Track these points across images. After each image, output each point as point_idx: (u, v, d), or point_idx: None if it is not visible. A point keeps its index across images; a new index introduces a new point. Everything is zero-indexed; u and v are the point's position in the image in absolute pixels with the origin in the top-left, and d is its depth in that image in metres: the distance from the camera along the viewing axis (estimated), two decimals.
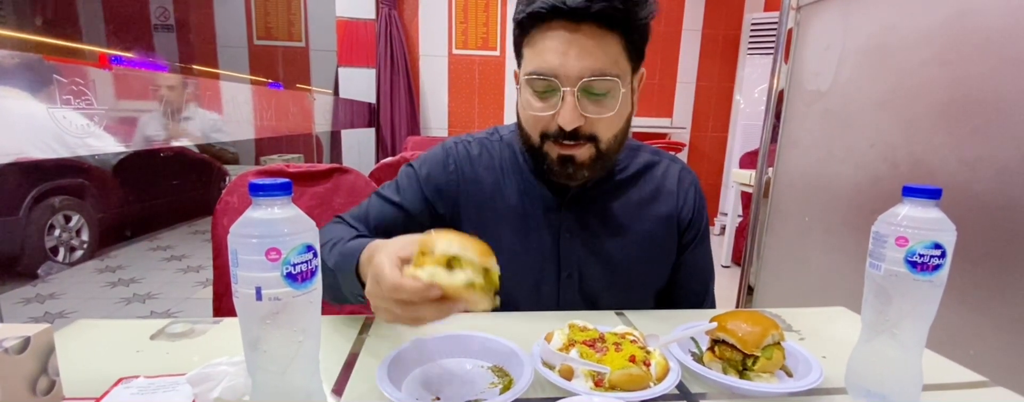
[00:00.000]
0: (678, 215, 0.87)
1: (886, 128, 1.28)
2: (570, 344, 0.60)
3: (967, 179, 1.08)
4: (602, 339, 0.61)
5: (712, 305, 0.94)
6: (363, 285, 0.59)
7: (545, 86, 0.71)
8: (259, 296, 0.40)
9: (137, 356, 0.64)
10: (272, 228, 0.41)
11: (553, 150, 0.75)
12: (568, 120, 0.70)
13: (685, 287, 0.91)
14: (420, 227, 0.83)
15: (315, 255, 0.43)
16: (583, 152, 0.74)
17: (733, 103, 4.34)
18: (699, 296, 0.92)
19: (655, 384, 0.56)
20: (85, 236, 3.30)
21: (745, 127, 4.02)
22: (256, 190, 0.42)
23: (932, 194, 0.53)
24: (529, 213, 0.83)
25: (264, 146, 2.94)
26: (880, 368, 0.56)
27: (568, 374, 0.57)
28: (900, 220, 0.53)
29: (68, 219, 3.20)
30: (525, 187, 0.84)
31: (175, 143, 2.28)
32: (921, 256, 0.52)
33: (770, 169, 1.66)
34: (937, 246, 0.52)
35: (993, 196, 1.03)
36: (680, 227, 0.88)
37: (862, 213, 1.33)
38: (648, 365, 0.58)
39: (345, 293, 0.64)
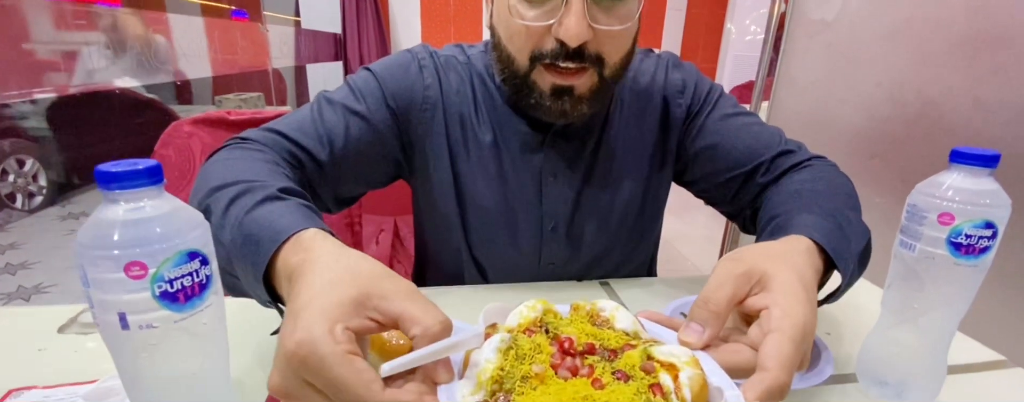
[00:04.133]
0: (679, 125, 0.71)
1: (895, 64, 1.17)
2: (536, 351, 0.35)
3: (982, 124, 0.99)
4: (591, 350, 0.36)
5: (803, 162, 0.66)
6: (273, 302, 0.40)
7: None
8: (124, 324, 0.30)
9: (38, 356, 0.54)
10: (131, 235, 0.29)
11: (545, 78, 0.59)
12: (574, 33, 0.54)
13: (736, 171, 0.68)
14: (384, 159, 0.68)
15: (205, 262, 0.32)
16: (584, 81, 0.59)
17: (724, 32, 4.13)
18: (763, 167, 0.66)
19: None
20: (42, 181, 3.11)
21: (735, 58, 3.85)
22: (106, 181, 0.30)
23: (988, 160, 0.43)
24: (504, 153, 0.69)
25: (221, 84, 2.70)
26: (900, 358, 0.49)
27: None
28: (946, 192, 0.44)
29: (21, 163, 2.99)
30: (499, 121, 0.69)
31: (119, 82, 2.07)
32: (968, 237, 0.43)
33: (765, 103, 1.54)
34: (989, 225, 0.43)
35: (1010, 143, 0.94)
36: (683, 138, 0.72)
37: (860, 158, 1.24)
38: (679, 390, 0.32)
39: (246, 290, 0.43)
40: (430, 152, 0.70)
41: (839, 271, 0.47)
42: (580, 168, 0.70)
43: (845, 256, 0.47)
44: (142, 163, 0.31)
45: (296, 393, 0.31)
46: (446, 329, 0.33)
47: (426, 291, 0.76)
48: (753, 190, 0.68)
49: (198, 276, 0.32)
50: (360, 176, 0.68)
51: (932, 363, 0.49)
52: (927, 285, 0.45)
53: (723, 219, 1.89)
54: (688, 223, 2.88)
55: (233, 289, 0.45)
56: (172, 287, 0.30)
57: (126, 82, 2.03)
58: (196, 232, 0.32)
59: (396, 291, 0.33)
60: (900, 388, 0.50)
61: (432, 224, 0.78)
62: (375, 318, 0.33)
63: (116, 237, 0.29)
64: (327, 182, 0.64)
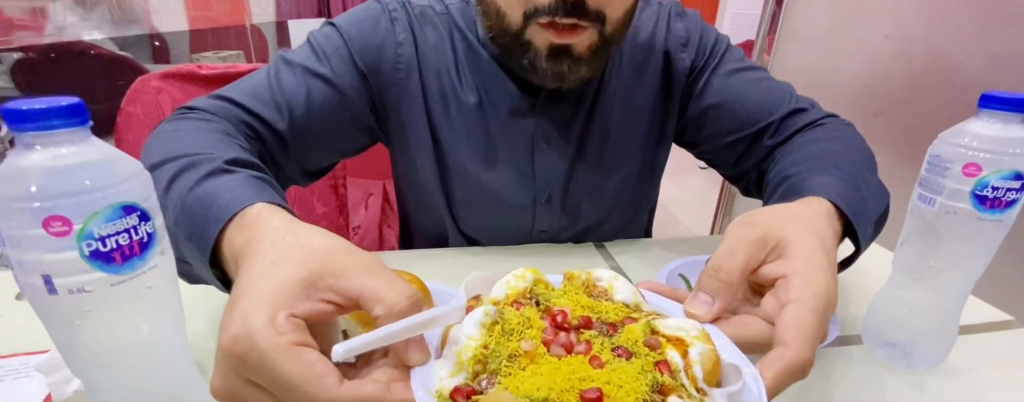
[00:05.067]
0: (681, 82, 0.66)
1: (904, 15, 1.11)
2: (524, 326, 0.31)
3: (995, 78, 0.95)
4: (587, 324, 0.33)
5: (815, 121, 0.62)
6: (222, 280, 0.36)
7: None
8: (51, 288, 0.26)
9: None
10: (49, 185, 0.25)
11: (541, 36, 0.53)
12: None
13: (744, 132, 0.63)
14: (354, 126, 0.62)
15: (145, 217, 0.28)
16: (583, 39, 0.54)
17: None
18: (772, 128, 0.62)
19: None
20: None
21: (734, 16, 3.74)
22: (17, 121, 0.25)
23: (1021, 105, 0.39)
24: (491, 117, 0.64)
25: (198, 42, 2.58)
26: (910, 319, 0.47)
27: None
28: (973, 141, 0.40)
29: None
30: (484, 82, 0.63)
31: (87, 37, 1.96)
32: (995, 189, 0.39)
33: (766, 57, 1.48)
34: (1018, 176, 0.39)
35: None
36: (686, 96, 0.67)
37: (864, 116, 1.20)
38: (689, 368, 0.29)
39: (204, 278, 0.38)
40: (406, 118, 0.63)
41: (858, 237, 0.43)
42: (574, 133, 0.65)
43: (864, 220, 0.43)
44: (63, 100, 0.26)
45: (241, 395, 0.26)
46: (416, 305, 0.28)
47: (407, 255, 0.74)
48: (760, 152, 0.63)
49: (137, 233, 0.28)
50: (328, 146, 0.62)
51: (943, 324, 0.46)
52: (946, 242, 0.42)
53: (718, 182, 1.86)
54: (681, 186, 2.86)
55: (189, 277, 0.40)
56: (104, 246, 0.26)
57: (95, 37, 1.93)
58: (132, 183, 0.28)
59: (354, 266, 0.29)
60: (908, 350, 0.47)
61: (414, 194, 0.73)
62: (331, 300, 0.28)
63: (33, 188, 0.25)
64: (291, 154, 0.58)
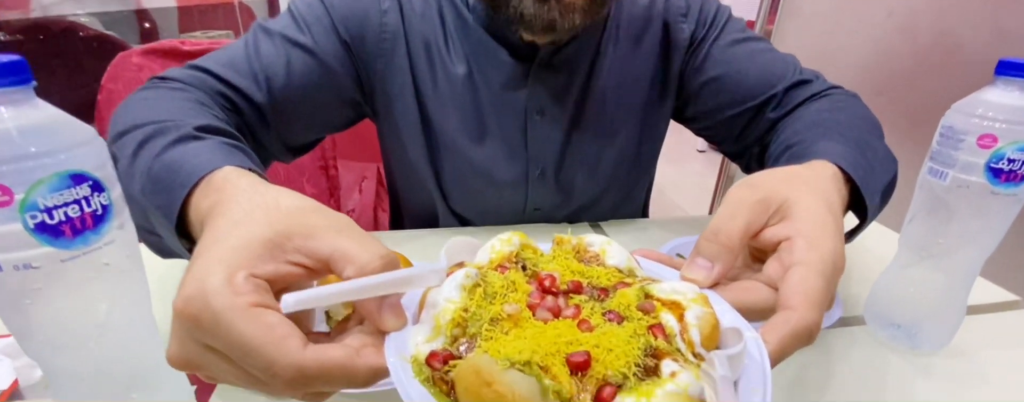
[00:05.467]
0: (681, 53, 0.63)
1: None
2: (509, 289, 0.29)
3: (1002, 55, 0.92)
4: (577, 289, 0.31)
5: (820, 92, 0.59)
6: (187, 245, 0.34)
7: None
8: None
9: None
10: None
11: None
12: None
13: (745, 104, 0.61)
14: (338, 99, 0.59)
15: (99, 188, 0.26)
16: None
17: None
18: (775, 100, 0.59)
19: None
20: None
21: None
22: None
23: None
24: (481, 88, 0.61)
25: (186, 19, 2.51)
26: (916, 299, 0.45)
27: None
28: (988, 111, 0.38)
29: None
30: (473, 50, 0.60)
31: (71, 16, 1.91)
32: (1011, 162, 0.37)
33: (769, 30, 1.45)
34: None
35: None
36: (685, 68, 0.64)
37: (867, 94, 1.17)
38: (686, 332, 0.27)
39: (174, 251, 0.36)
40: (392, 90, 0.61)
41: (864, 207, 0.41)
42: (569, 105, 0.62)
43: (871, 188, 0.41)
44: (3, 57, 0.24)
45: (198, 361, 0.24)
46: (390, 266, 0.26)
47: (395, 235, 0.71)
48: (762, 126, 0.61)
49: (89, 205, 0.26)
50: (310, 120, 0.59)
51: (951, 304, 0.45)
52: (957, 218, 0.40)
53: (717, 165, 1.84)
54: (679, 169, 2.83)
55: (161, 250, 0.38)
56: (51, 218, 0.24)
57: (78, 14, 1.87)
58: (83, 150, 0.25)
59: (324, 226, 0.27)
60: (913, 331, 0.46)
61: (402, 171, 0.70)
62: (299, 262, 0.26)
63: None
64: (270, 127, 0.55)
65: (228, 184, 0.31)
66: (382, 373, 0.25)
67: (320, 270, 0.27)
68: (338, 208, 1.18)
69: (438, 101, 0.61)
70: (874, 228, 0.68)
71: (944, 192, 0.40)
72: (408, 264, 0.47)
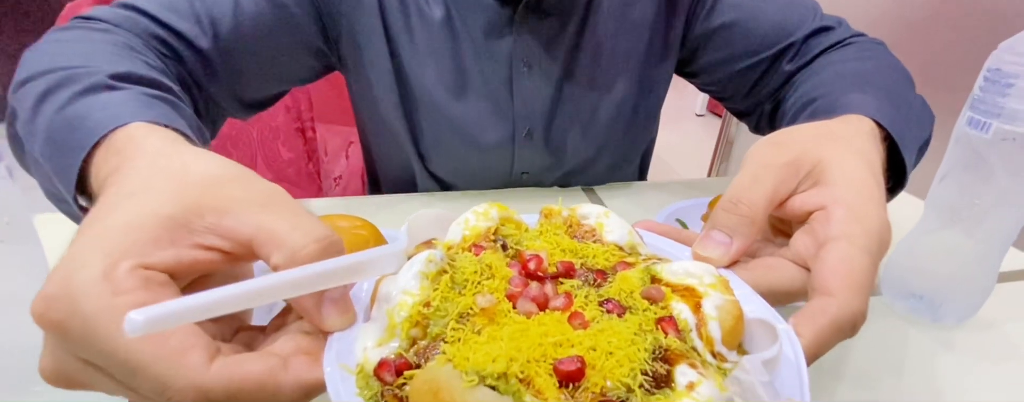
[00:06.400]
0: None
1: None
2: (483, 275, 0.24)
3: None
4: (568, 272, 0.26)
5: (844, 40, 0.53)
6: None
7: None
8: None
9: None
10: None
11: None
12: None
13: (761, 54, 0.55)
14: (299, 46, 0.52)
15: None
16: None
17: None
18: (792, 50, 0.54)
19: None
20: None
21: None
22: None
23: None
24: (462, 35, 0.55)
25: None
26: (941, 268, 0.40)
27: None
28: None
29: None
30: None
31: None
32: None
33: None
34: None
35: None
36: (692, 15, 0.58)
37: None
38: (703, 326, 0.22)
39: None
40: (361, 37, 0.54)
41: (900, 164, 0.37)
42: (560, 55, 0.56)
43: (909, 145, 0.37)
44: None
45: (79, 379, 0.19)
46: (330, 250, 0.21)
47: (367, 201, 0.65)
48: (777, 79, 0.55)
49: None
50: (266, 70, 0.52)
51: (980, 273, 0.40)
52: (998, 174, 0.35)
53: (716, 130, 1.78)
54: (676, 133, 2.77)
55: (57, 200, 0.32)
56: None
57: None
58: None
59: (244, 199, 0.21)
60: (935, 302, 0.41)
61: (375, 130, 0.64)
62: (212, 246, 0.21)
63: None
64: (219, 78, 0.48)
65: (131, 145, 0.25)
66: (316, 389, 0.20)
67: (241, 255, 0.21)
68: (317, 174, 1.12)
69: (412, 49, 0.55)
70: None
71: (985, 146, 0.35)
72: (374, 232, 0.42)
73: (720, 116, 1.95)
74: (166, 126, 0.28)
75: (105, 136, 0.26)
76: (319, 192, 1.08)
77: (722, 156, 1.68)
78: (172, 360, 0.18)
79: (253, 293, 0.19)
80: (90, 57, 0.35)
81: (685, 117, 2.93)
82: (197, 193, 0.21)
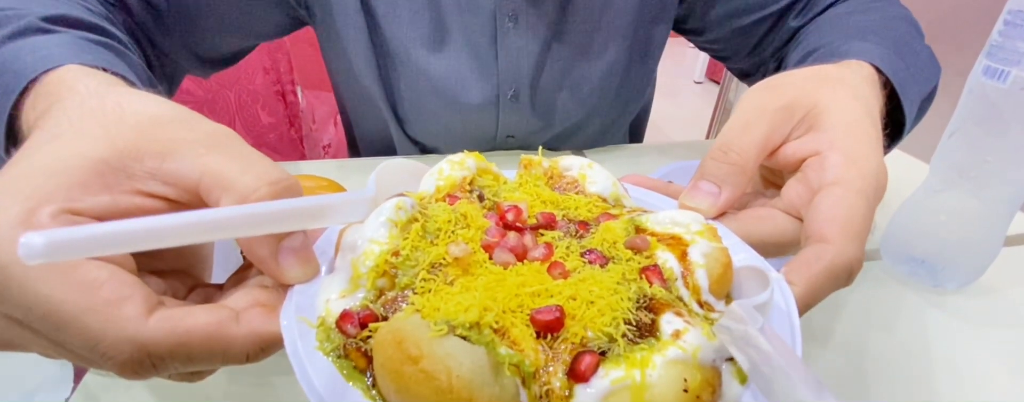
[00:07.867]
0: None
1: None
2: (458, 224, 0.22)
3: None
4: (549, 223, 0.24)
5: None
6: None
7: None
8: None
9: None
10: None
11: None
12: None
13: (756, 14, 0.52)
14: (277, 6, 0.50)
15: None
16: None
17: None
18: (799, 5, 0.51)
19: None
20: None
21: None
22: None
23: None
24: None
25: None
26: (947, 230, 0.38)
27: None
28: None
29: None
30: None
31: None
32: None
33: None
34: None
35: None
36: None
37: None
38: (690, 274, 0.21)
39: None
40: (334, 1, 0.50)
41: (900, 115, 0.35)
42: (548, 10, 0.52)
43: (911, 96, 0.34)
44: None
45: (7, 337, 0.17)
46: (285, 193, 0.19)
47: (343, 164, 0.60)
48: (782, 37, 0.52)
49: None
50: (224, 23, 0.48)
51: (986, 237, 0.38)
52: (1014, 129, 0.33)
53: (714, 97, 1.74)
54: (673, 101, 2.72)
55: None
56: None
57: None
58: None
59: (189, 140, 0.19)
60: (937, 266, 0.39)
61: (349, 89, 0.61)
62: (155, 192, 0.19)
63: None
64: (171, 31, 0.45)
65: (63, 87, 0.23)
66: (272, 344, 0.18)
67: (187, 202, 0.19)
68: (300, 139, 1.09)
69: (392, 13, 0.51)
70: (893, 154, 0.61)
71: (1002, 97, 0.32)
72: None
73: (719, 83, 1.91)
74: (105, 70, 0.25)
75: (35, 80, 0.24)
76: (303, 159, 1.05)
77: (721, 123, 1.64)
78: (103, 312, 0.16)
79: (191, 225, 0.16)
80: (19, 1, 0.32)
81: (683, 85, 2.87)
82: (134, 135, 0.19)
